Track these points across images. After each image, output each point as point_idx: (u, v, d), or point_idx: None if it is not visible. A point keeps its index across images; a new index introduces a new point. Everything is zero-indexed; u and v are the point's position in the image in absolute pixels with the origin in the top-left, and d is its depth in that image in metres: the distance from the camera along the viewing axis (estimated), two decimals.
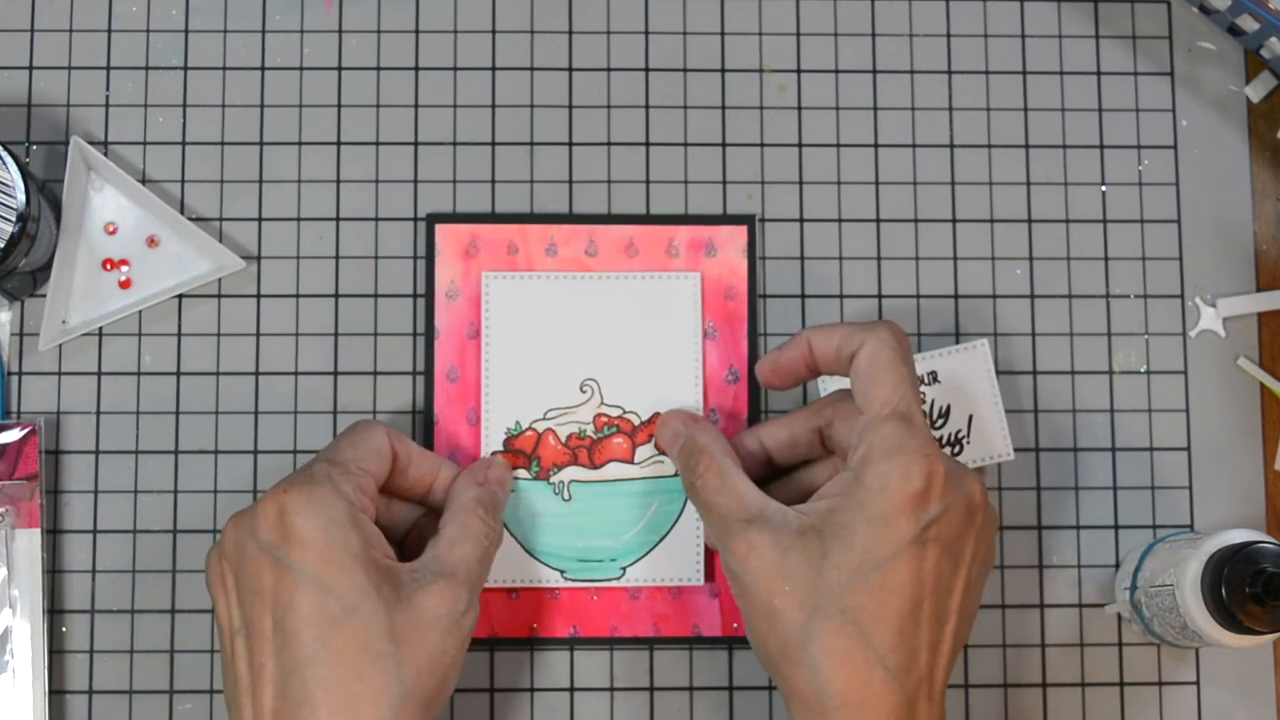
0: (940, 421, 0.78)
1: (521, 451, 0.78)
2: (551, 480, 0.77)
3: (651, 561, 0.77)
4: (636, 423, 0.78)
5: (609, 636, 0.77)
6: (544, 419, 0.78)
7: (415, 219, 0.80)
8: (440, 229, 0.79)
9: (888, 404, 0.67)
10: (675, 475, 0.77)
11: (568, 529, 0.77)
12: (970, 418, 0.79)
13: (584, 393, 0.78)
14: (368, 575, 0.66)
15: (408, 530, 0.75)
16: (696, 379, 0.78)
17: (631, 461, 0.78)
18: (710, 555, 0.78)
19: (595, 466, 0.78)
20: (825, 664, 0.65)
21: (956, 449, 0.78)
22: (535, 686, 0.77)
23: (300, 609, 0.65)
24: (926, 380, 0.79)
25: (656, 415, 0.78)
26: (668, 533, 0.78)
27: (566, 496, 0.77)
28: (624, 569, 0.77)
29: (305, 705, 0.64)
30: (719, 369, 0.79)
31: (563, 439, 0.78)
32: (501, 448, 0.78)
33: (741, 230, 0.80)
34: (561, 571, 0.77)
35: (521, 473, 0.78)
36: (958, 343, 0.80)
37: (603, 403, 0.78)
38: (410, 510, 0.75)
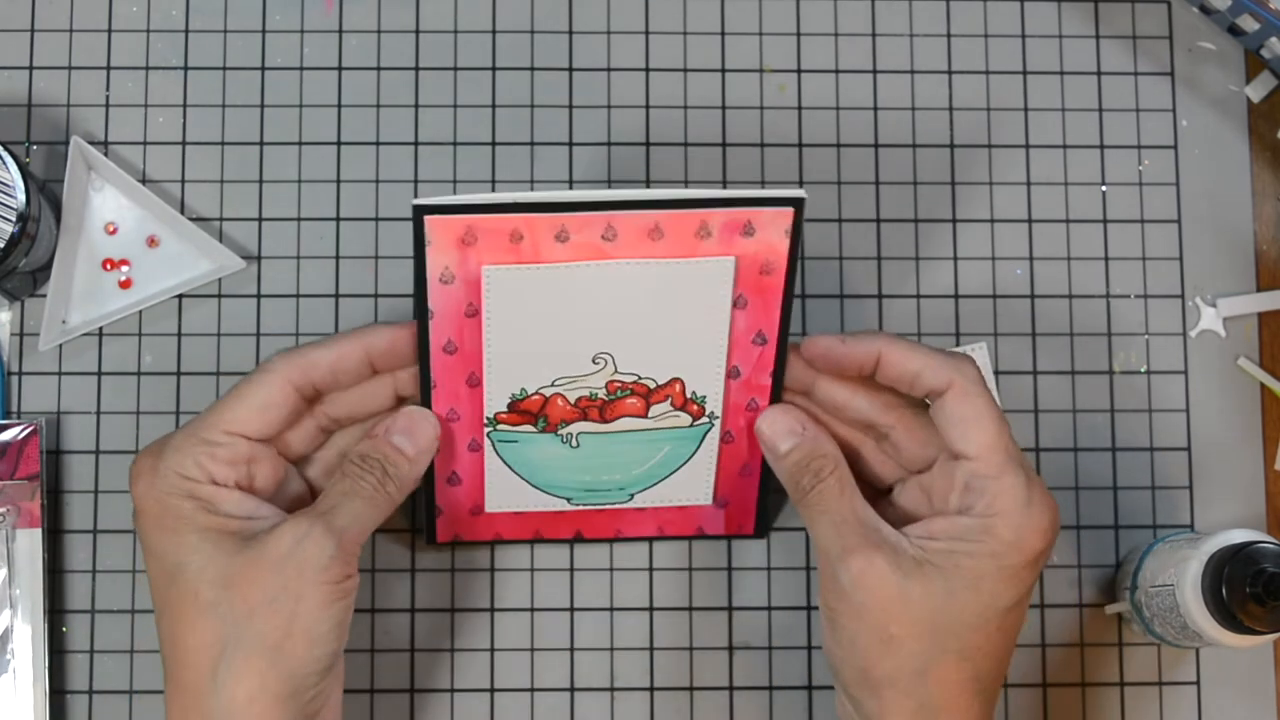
0: None
1: (528, 411, 0.72)
2: (559, 432, 0.73)
3: (660, 489, 0.76)
4: (653, 386, 0.72)
5: (612, 538, 0.77)
6: (551, 385, 0.71)
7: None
8: (430, 220, 0.66)
9: (996, 449, 0.67)
10: (690, 427, 0.73)
11: (574, 468, 0.74)
12: None
13: (596, 364, 0.71)
14: (200, 534, 0.66)
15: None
16: (721, 348, 0.71)
17: (645, 416, 0.73)
18: (719, 480, 0.76)
19: (606, 422, 0.73)
20: (938, 696, 0.66)
21: None
22: (535, 687, 0.77)
23: (149, 574, 0.67)
24: None
25: (674, 380, 0.72)
26: (679, 468, 0.75)
27: (575, 444, 0.73)
28: (632, 495, 0.76)
29: (165, 660, 0.67)
30: (746, 333, 0.71)
31: (572, 400, 0.72)
32: (505, 409, 0.72)
33: (787, 213, 0.68)
34: (568, 499, 0.76)
35: (527, 428, 0.73)
36: (958, 343, 0.80)
37: (617, 371, 0.71)
38: (314, 436, 0.73)
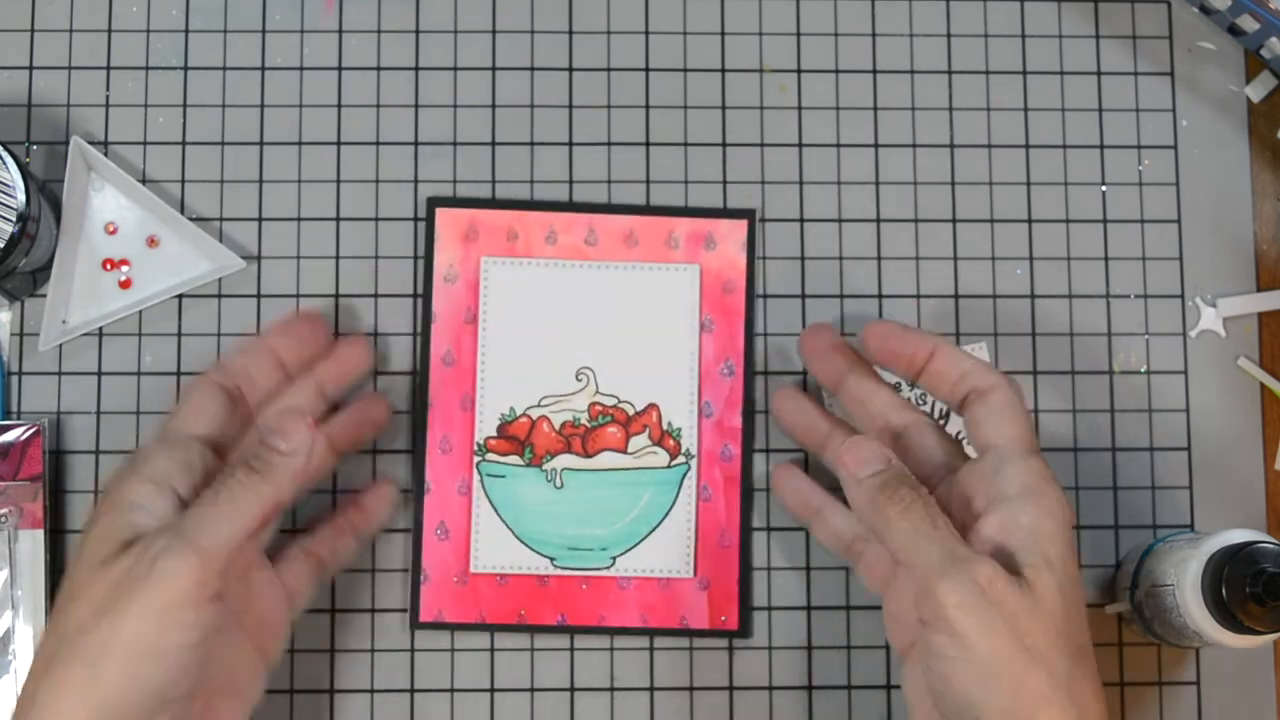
0: (941, 422, 0.78)
1: (515, 438, 0.78)
2: (544, 467, 0.78)
3: (642, 552, 0.78)
4: (631, 413, 0.78)
5: (597, 626, 0.77)
6: (538, 406, 0.78)
7: (415, 219, 0.80)
8: (440, 213, 0.79)
9: (1016, 441, 0.67)
10: (668, 467, 0.78)
11: (559, 517, 0.78)
12: None
13: (579, 381, 0.78)
14: (96, 542, 0.64)
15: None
16: (692, 371, 0.79)
17: (625, 451, 0.78)
18: (699, 549, 0.78)
19: (588, 455, 0.78)
20: (1086, 701, 0.62)
21: None
22: (535, 687, 0.78)
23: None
24: None
25: (651, 406, 0.78)
26: (659, 524, 0.78)
27: (559, 484, 0.78)
28: (614, 558, 0.78)
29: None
30: (715, 362, 0.79)
31: (556, 426, 0.78)
32: (495, 434, 0.78)
33: (742, 225, 0.80)
34: (551, 559, 0.77)
35: (514, 459, 0.78)
36: (958, 343, 0.80)
37: (598, 391, 0.78)
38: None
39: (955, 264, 0.81)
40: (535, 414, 0.78)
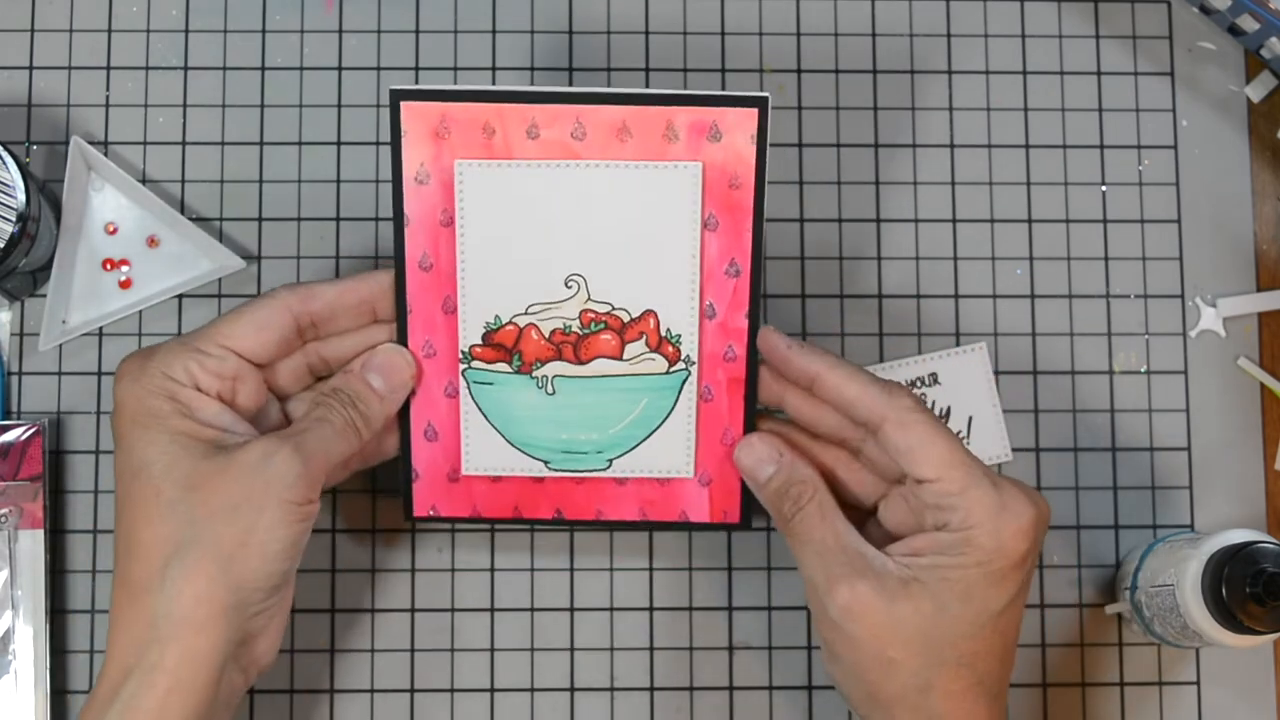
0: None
1: (502, 345, 0.73)
2: (534, 374, 0.73)
3: (639, 454, 0.75)
4: (626, 319, 0.73)
5: (594, 520, 0.76)
6: (525, 314, 0.73)
7: None
8: (406, 107, 0.70)
9: (954, 466, 0.67)
10: (667, 373, 0.73)
11: (551, 421, 0.74)
12: (970, 419, 0.79)
13: (569, 288, 0.72)
14: (171, 435, 0.67)
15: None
16: (693, 275, 0.72)
17: (620, 358, 0.73)
18: (700, 448, 0.75)
19: (581, 362, 0.73)
20: (944, 707, 0.67)
21: None
22: (536, 687, 0.78)
23: (116, 469, 0.68)
24: (927, 382, 0.79)
25: (648, 313, 0.73)
26: (657, 428, 0.74)
27: (550, 390, 0.74)
28: (610, 460, 0.75)
29: (118, 557, 0.67)
30: (719, 261, 0.72)
31: (546, 334, 0.73)
32: (480, 341, 0.73)
33: (751, 114, 0.70)
34: (546, 462, 0.75)
35: (502, 366, 0.73)
36: (958, 343, 0.80)
37: (589, 299, 0.73)
38: (298, 373, 0.74)
39: (955, 264, 0.81)
40: (523, 322, 0.73)
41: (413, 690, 0.77)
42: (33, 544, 0.76)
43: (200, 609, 0.65)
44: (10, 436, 0.76)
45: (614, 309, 0.73)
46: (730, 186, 0.71)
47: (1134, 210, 0.81)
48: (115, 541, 0.67)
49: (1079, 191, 0.81)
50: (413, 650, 0.78)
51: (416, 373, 0.73)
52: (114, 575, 0.67)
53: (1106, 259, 0.81)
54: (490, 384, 0.74)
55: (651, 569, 0.79)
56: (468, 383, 0.74)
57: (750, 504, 0.75)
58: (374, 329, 0.73)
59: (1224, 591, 0.69)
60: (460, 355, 0.73)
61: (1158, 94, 0.82)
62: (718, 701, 0.78)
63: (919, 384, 0.79)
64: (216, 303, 0.79)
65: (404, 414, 0.74)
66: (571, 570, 0.78)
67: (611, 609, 0.78)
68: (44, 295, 0.78)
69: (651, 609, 0.78)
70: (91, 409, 0.78)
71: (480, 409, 0.74)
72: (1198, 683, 0.78)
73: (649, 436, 0.74)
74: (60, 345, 0.78)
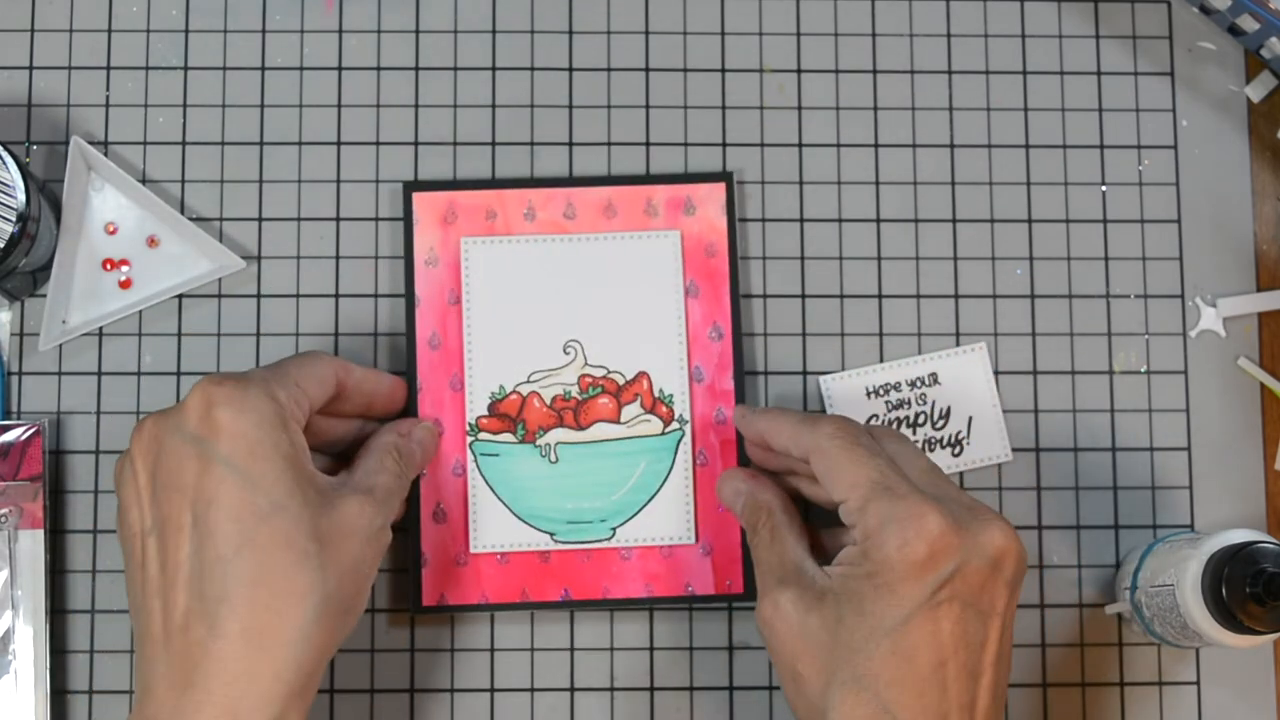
0: (941, 423, 0.78)
1: (507, 415, 0.77)
2: (538, 443, 0.77)
3: (641, 521, 0.77)
4: (621, 382, 0.78)
5: (602, 599, 0.77)
6: (528, 382, 0.78)
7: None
8: (418, 198, 0.79)
9: (858, 485, 0.67)
10: (662, 434, 0.77)
11: (556, 491, 0.77)
12: (970, 419, 0.79)
13: (567, 354, 0.78)
14: (295, 476, 0.66)
15: (343, 449, 0.76)
16: (680, 336, 0.78)
17: (618, 421, 0.78)
18: (699, 515, 0.77)
19: (581, 428, 0.77)
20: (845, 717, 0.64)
21: (956, 450, 0.79)
22: (535, 687, 0.78)
23: (225, 503, 0.64)
24: (927, 381, 0.79)
25: (641, 375, 0.78)
26: (657, 492, 0.77)
27: (553, 459, 0.77)
28: (614, 529, 0.77)
29: (224, 602, 0.64)
30: (702, 326, 0.78)
31: (548, 401, 0.77)
32: (486, 412, 0.77)
33: (720, 188, 0.79)
34: (551, 534, 0.77)
35: (507, 437, 0.77)
36: (958, 343, 0.80)
37: (587, 363, 0.78)
38: (347, 427, 0.76)
39: (955, 264, 0.81)
40: (525, 390, 0.78)
41: (412, 690, 0.77)
42: (33, 544, 0.76)
43: (322, 661, 0.66)
44: (10, 436, 0.76)
45: (609, 372, 0.78)
46: (707, 255, 0.79)
47: (1134, 210, 0.81)
48: (230, 578, 0.64)
49: (1079, 191, 0.81)
50: (413, 650, 0.78)
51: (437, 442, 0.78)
52: (226, 613, 0.64)
53: (1106, 259, 0.81)
54: (496, 455, 0.77)
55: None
56: (475, 455, 0.77)
57: (751, 574, 0.77)
58: (364, 422, 0.76)
59: (1224, 591, 0.69)
60: (468, 428, 0.78)
61: (1158, 94, 0.82)
62: (718, 701, 0.78)
63: (919, 384, 0.79)
64: (216, 303, 0.79)
65: (413, 498, 0.77)
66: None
67: (611, 609, 0.78)
68: (44, 295, 0.78)
69: (651, 609, 0.78)
70: (91, 409, 0.78)
71: (487, 482, 0.77)
72: (1198, 683, 0.78)
73: (649, 501, 0.77)
74: (60, 345, 0.78)
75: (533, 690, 0.78)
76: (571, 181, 0.80)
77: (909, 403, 0.79)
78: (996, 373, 0.80)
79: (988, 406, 0.79)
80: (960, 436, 0.77)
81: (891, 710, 0.64)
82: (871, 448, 0.69)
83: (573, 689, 0.78)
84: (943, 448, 0.78)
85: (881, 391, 0.79)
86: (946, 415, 0.79)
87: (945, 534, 0.65)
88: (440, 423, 0.77)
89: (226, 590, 0.64)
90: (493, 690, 0.77)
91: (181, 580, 0.64)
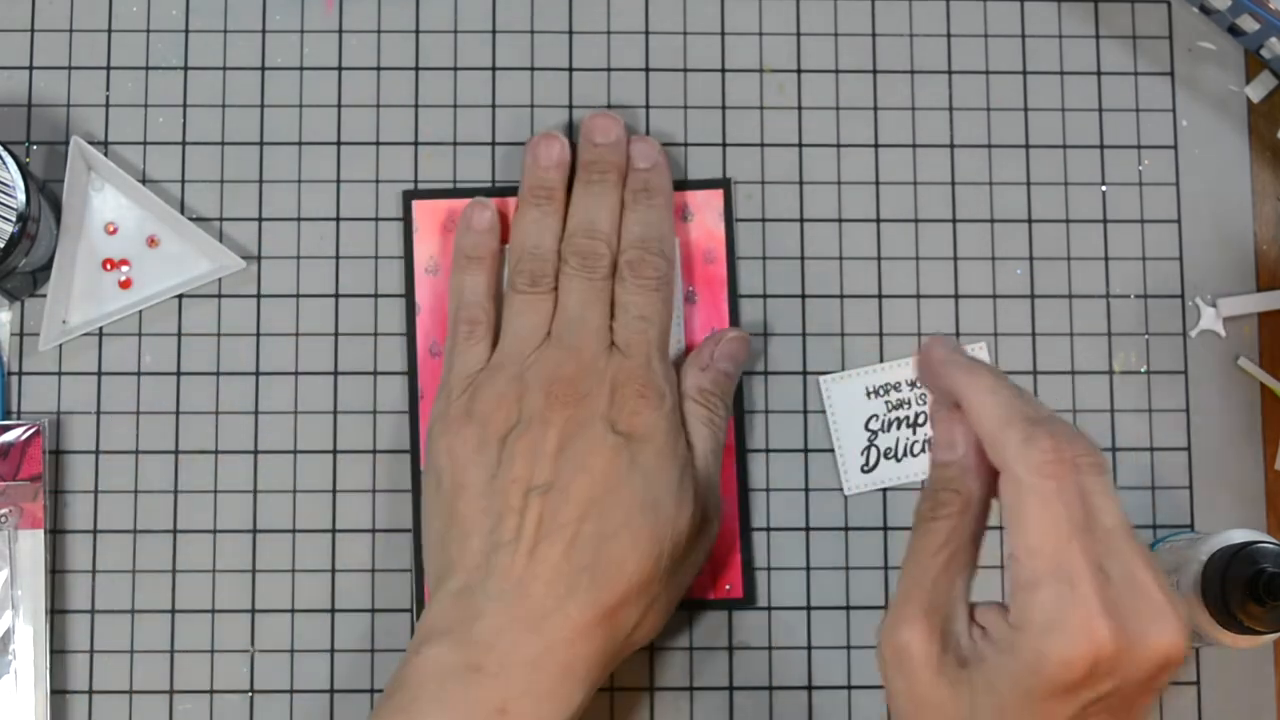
0: None
1: None
2: None
3: None
4: None
5: None
6: None
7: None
8: (418, 205, 0.79)
9: (1034, 555, 0.56)
10: None
11: None
12: None
13: None
14: (682, 473, 0.72)
15: None
16: (679, 343, 0.78)
17: None
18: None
19: None
20: None
21: None
22: None
23: (623, 494, 0.70)
24: None
25: None
26: None
27: None
28: None
29: (596, 565, 0.70)
30: (702, 332, 0.78)
31: None
32: None
33: (717, 194, 0.79)
34: None
35: None
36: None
37: None
38: None
39: (955, 264, 0.81)
40: None
41: None
42: (33, 544, 0.76)
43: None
44: (10, 436, 0.76)
45: None
46: (705, 261, 0.79)
47: (1134, 210, 0.81)
48: (575, 541, 0.70)
49: (1079, 191, 0.81)
50: None
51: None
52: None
53: (1106, 259, 0.81)
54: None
55: None
56: None
57: (753, 579, 0.77)
58: None
59: (1224, 591, 0.69)
60: None
61: (1158, 94, 0.82)
62: (718, 701, 0.78)
63: (919, 384, 0.79)
64: (216, 303, 0.79)
65: (416, 508, 0.77)
66: None
67: None
68: (44, 295, 0.78)
69: None
70: (91, 409, 0.78)
71: None
72: (1198, 683, 0.78)
73: None
74: (60, 345, 0.78)
75: None
76: None
77: (909, 403, 0.79)
78: None
79: None
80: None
81: None
82: (1071, 507, 0.57)
83: None
84: None
85: (881, 391, 0.79)
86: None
87: (1114, 650, 0.55)
88: None
89: (600, 556, 0.71)
90: None
91: (558, 538, 0.70)
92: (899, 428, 0.79)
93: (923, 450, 0.78)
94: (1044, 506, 0.56)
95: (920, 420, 0.79)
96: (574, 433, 0.71)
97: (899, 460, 0.79)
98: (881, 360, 0.80)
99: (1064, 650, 0.55)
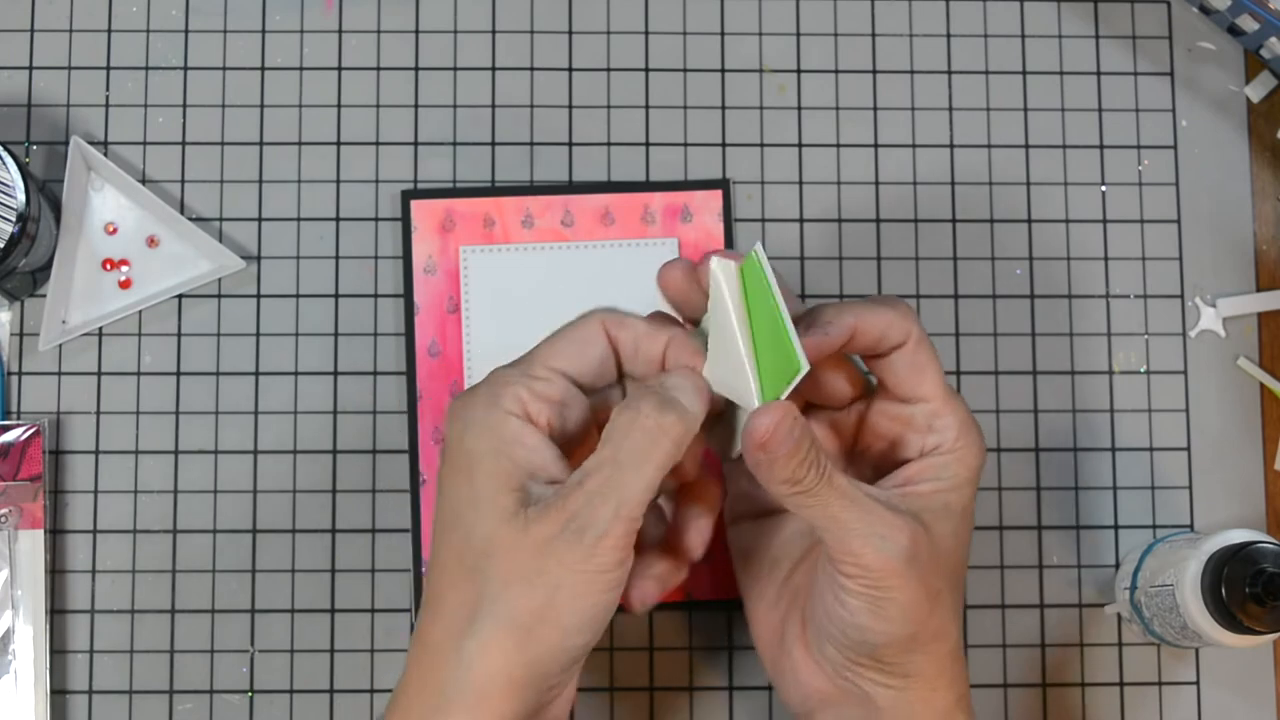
0: None
1: None
2: None
3: None
4: None
5: None
6: None
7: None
8: (416, 205, 0.79)
9: (939, 387, 0.67)
10: None
11: None
12: None
13: None
14: (485, 480, 0.62)
15: None
16: None
17: None
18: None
19: None
20: (956, 631, 0.66)
21: None
22: None
23: (434, 510, 0.64)
24: None
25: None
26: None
27: None
28: None
29: (424, 608, 0.64)
30: None
31: None
32: None
33: (716, 195, 0.80)
34: None
35: None
36: (958, 343, 0.80)
37: None
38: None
39: (955, 264, 0.81)
40: None
41: None
42: (33, 544, 0.76)
43: (493, 685, 0.61)
44: (10, 436, 0.76)
45: None
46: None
47: (1134, 210, 0.81)
48: (425, 588, 0.64)
49: (1079, 191, 0.81)
50: None
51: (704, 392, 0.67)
52: (416, 628, 0.64)
53: (1106, 259, 0.81)
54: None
55: None
56: None
57: None
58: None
59: (1224, 591, 0.69)
60: None
61: (1157, 94, 0.82)
62: (718, 701, 0.78)
63: None
64: (216, 303, 0.79)
65: (415, 508, 0.77)
66: None
67: None
68: (44, 295, 0.78)
69: (651, 611, 0.78)
70: (91, 409, 0.78)
71: None
72: (1198, 683, 0.78)
73: None
74: (60, 345, 0.78)
75: None
76: (569, 188, 0.80)
77: None
78: (996, 373, 0.80)
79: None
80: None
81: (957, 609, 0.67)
82: None
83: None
84: None
85: None
86: None
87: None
88: (440, 430, 0.77)
89: (425, 594, 0.64)
90: None
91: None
92: None
93: None
94: (932, 352, 0.67)
95: None
96: None
97: None
98: None
99: (979, 439, 0.67)
